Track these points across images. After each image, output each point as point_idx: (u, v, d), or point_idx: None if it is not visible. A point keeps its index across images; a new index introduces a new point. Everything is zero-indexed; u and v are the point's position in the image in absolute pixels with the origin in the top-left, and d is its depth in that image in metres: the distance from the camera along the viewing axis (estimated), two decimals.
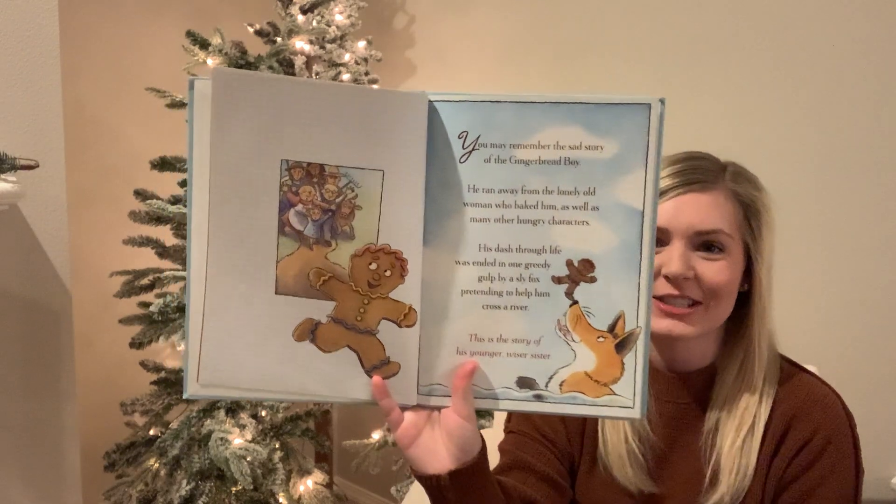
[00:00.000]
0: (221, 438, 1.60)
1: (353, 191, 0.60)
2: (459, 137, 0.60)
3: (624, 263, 0.61)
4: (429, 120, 0.60)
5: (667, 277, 0.79)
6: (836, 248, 1.52)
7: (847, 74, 1.49)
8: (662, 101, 0.58)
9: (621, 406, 0.63)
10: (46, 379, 1.54)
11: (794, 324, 1.57)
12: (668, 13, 1.78)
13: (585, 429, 0.91)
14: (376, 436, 2.01)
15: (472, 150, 0.60)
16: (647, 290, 0.62)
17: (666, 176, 0.81)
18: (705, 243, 0.81)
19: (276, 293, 0.61)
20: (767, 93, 1.61)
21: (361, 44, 2.10)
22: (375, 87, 1.98)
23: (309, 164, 0.60)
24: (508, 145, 0.60)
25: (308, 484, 1.85)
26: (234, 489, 1.72)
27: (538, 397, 0.63)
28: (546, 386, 0.63)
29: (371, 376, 0.64)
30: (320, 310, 0.62)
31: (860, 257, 1.49)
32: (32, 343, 1.52)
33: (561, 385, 0.63)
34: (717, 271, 0.80)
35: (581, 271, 0.61)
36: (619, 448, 0.86)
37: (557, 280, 0.62)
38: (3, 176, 1.32)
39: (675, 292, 0.79)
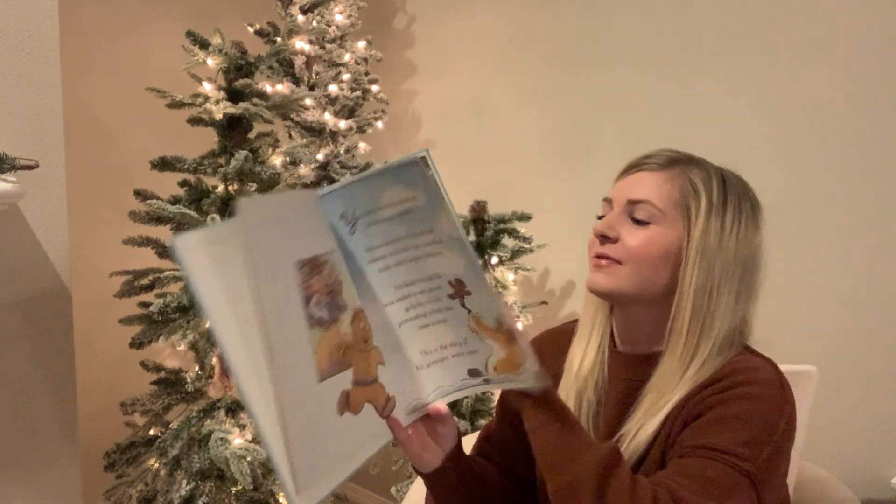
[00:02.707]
0: (221, 438, 1.61)
1: (334, 269, 0.69)
2: (342, 218, 0.72)
3: (478, 276, 0.73)
4: (324, 211, 0.71)
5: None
6: (834, 249, 1.52)
7: (843, 75, 1.49)
8: (427, 151, 0.70)
9: (535, 378, 0.75)
10: (47, 379, 1.55)
11: (793, 324, 1.57)
12: (667, 13, 1.78)
13: None
14: None
15: (355, 223, 0.73)
16: (497, 294, 0.74)
17: (634, 157, 0.90)
18: (634, 212, 0.87)
19: (320, 382, 0.66)
20: (765, 94, 1.61)
21: (361, 44, 2.10)
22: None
23: (312, 258, 0.67)
24: (371, 211, 0.72)
25: None
26: (234, 489, 1.72)
27: (486, 381, 0.77)
28: (487, 371, 0.76)
29: (385, 417, 0.74)
30: (346, 379, 0.69)
31: (858, 258, 1.49)
32: (32, 343, 1.52)
33: (495, 369, 0.76)
34: (634, 236, 0.86)
35: (458, 289, 0.74)
36: None
37: (451, 297, 0.75)
38: (3, 176, 1.32)
39: (602, 251, 0.88)
